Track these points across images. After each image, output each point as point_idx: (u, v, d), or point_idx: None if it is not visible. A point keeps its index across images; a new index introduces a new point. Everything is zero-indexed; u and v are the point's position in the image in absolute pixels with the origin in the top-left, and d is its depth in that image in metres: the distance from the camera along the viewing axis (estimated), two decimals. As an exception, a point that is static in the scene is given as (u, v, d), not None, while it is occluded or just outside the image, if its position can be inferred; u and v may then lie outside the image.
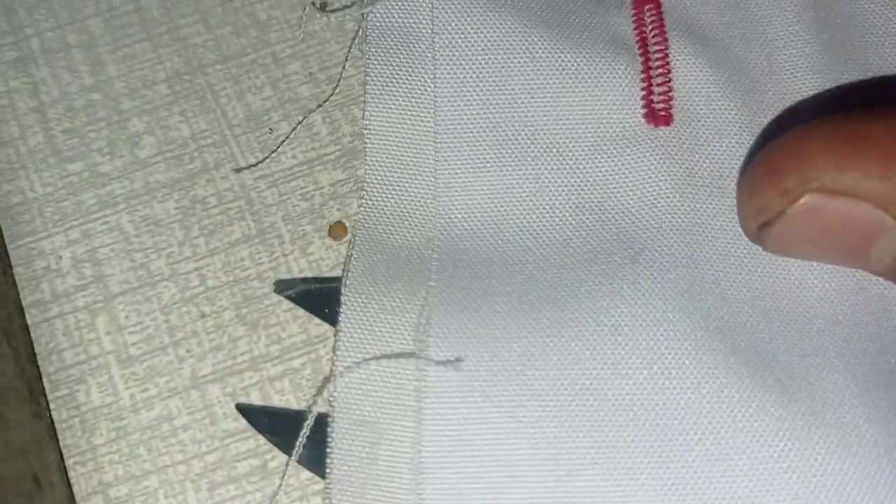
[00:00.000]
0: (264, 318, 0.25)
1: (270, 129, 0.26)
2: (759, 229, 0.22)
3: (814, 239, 0.22)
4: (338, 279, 0.25)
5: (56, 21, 0.28)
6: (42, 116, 0.27)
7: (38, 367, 0.24)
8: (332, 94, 0.27)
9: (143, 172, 0.26)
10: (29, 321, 0.25)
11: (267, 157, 0.26)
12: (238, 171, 0.26)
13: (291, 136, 0.27)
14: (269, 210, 0.26)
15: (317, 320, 0.25)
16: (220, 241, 0.26)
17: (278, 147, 0.26)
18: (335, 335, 0.24)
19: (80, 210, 0.26)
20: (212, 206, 0.26)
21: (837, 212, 0.21)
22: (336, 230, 0.26)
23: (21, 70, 0.27)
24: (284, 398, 0.24)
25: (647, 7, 0.27)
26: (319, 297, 0.25)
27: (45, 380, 0.24)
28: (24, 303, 0.25)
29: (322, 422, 0.23)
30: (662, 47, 0.26)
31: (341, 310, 0.24)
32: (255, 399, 0.24)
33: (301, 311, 0.25)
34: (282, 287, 0.25)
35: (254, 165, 0.26)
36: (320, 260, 0.25)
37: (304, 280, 0.25)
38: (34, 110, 0.27)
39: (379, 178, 0.25)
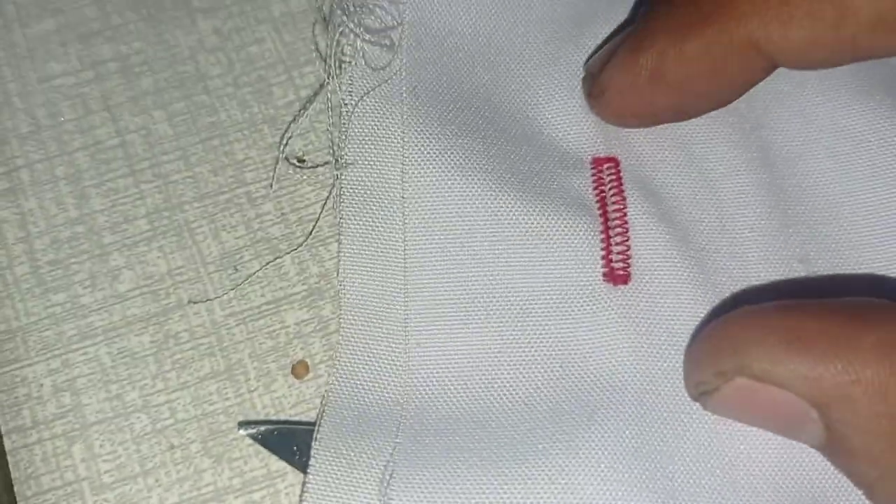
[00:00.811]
0: (228, 452, 0.27)
1: (236, 267, 0.28)
2: (699, 397, 0.25)
3: (746, 415, 0.24)
4: (297, 422, 0.27)
5: (45, 153, 0.30)
6: (29, 247, 0.29)
7: (14, 493, 0.26)
8: (305, 240, 0.29)
9: (121, 306, 0.28)
10: (8, 447, 0.27)
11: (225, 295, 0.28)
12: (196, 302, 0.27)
13: (261, 274, 0.28)
14: (237, 347, 0.28)
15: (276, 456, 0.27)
16: (190, 376, 0.27)
17: (243, 282, 0.28)
18: (303, 485, 0.25)
19: (61, 340, 0.28)
20: (184, 341, 0.28)
21: (767, 397, 0.23)
22: (298, 369, 0.28)
23: (10, 200, 0.29)
24: (244, 529, 0.26)
25: (606, 166, 0.28)
26: (280, 438, 0.26)
27: (22, 505, 0.26)
28: (4, 428, 0.27)
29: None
30: (620, 206, 0.28)
31: (310, 463, 0.25)
32: (216, 529, 0.26)
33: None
34: (245, 426, 0.27)
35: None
36: (283, 398, 0.27)
37: (267, 421, 0.27)
38: (21, 241, 0.29)
39: (352, 337, 0.27)
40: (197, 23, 0.31)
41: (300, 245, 0.28)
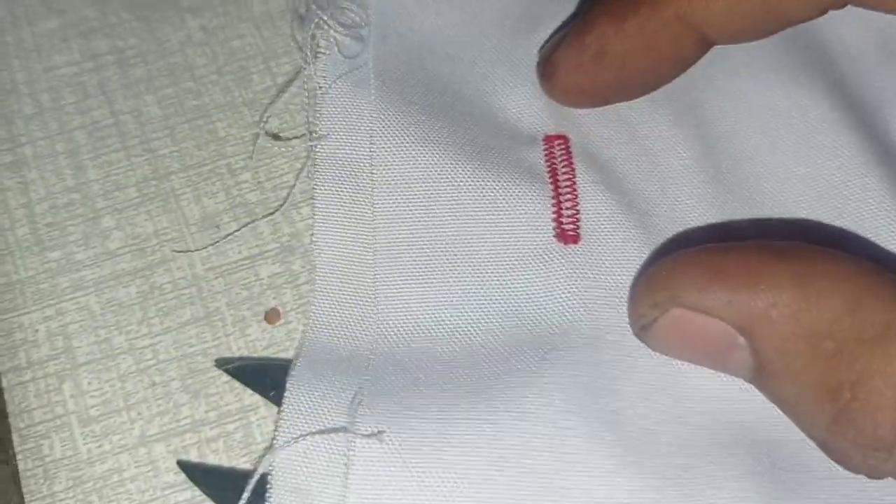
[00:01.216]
0: (205, 388, 0.29)
1: (217, 226, 0.31)
2: (640, 332, 0.27)
3: (682, 345, 0.27)
4: (269, 359, 0.29)
5: (47, 132, 0.33)
6: (29, 211, 0.32)
7: (8, 422, 0.29)
8: (281, 205, 0.32)
9: (111, 261, 0.31)
10: (5, 384, 0.29)
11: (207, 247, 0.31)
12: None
13: (238, 234, 0.32)
14: (215, 297, 0.31)
15: (249, 392, 0.29)
16: (172, 322, 0.30)
17: (221, 241, 0.31)
18: (278, 414, 0.28)
19: (55, 291, 0.31)
20: (167, 291, 0.31)
21: (698, 325, 0.25)
22: (271, 316, 0.30)
23: (14, 171, 0.32)
24: (218, 457, 0.29)
25: (556, 142, 0.32)
26: (253, 373, 0.29)
27: (14, 434, 0.29)
28: (2, 368, 0.30)
29: (260, 482, 0.27)
30: (570, 176, 0.31)
31: (285, 395, 0.28)
32: (193, 457, 0.29)
33: (237, 384, 0.29)
34: (221, 363, 0.30)
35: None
36: (256, 341, 0.30)
37: (241, 358, 0.30)
38: (23, 206, 0.32)
39: (325, 288, 0.30)
40: (186, 21, 0.35)
41: (277, 209, 0.32)
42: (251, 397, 0.29)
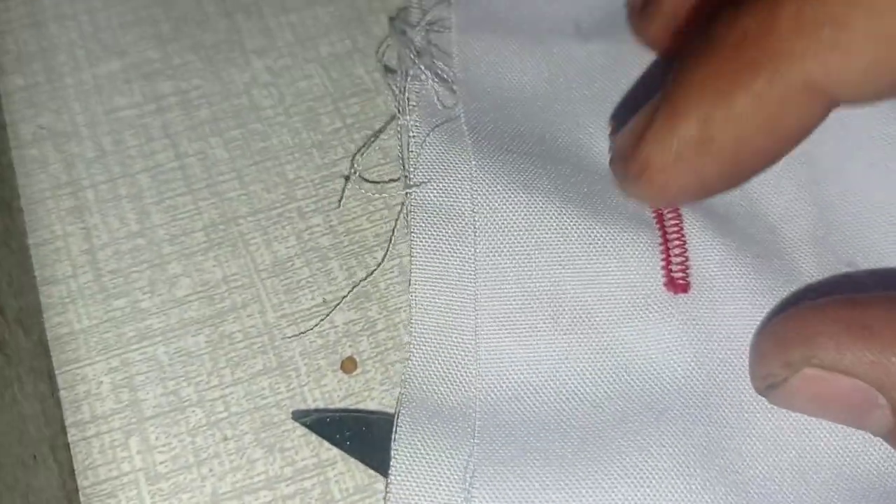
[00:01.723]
0: (280, 442, 0.28)
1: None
2: (766, 390, 0.26)
3: (814, 405, 0.25)
4: (348, 410, 0.28)
5: (109, 175, 0.32)
6: (92, 258, 0.31)
7: (76, 481, 0.27)
8: (387, 261, 0.31)
9: (178, 309, 0.30)
10: (70, 439, 0.28)
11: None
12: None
13: (311, 279, 0.30)
14: (288, 346, 0.29)
15: (326, 445, 0.28)
16: (243, 372, 0.29)
17: (294, 287, 0.30)
18: (386, 487, 0.26)
19: (120, 341, 0.29)
20: (238, 340, 0.29)
21: (834, 386, 0.24)
22: (347, 365, 0.29)
23: (77, 217, 0.31)
24: (295, 516, 0.27)
25: None
26: (330, 425, 0.28)
27: (80, 493, 0.27)
28: (66, 423, 0.28)
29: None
30: (677, 222, 0.29)
31: (392, 462, 0.26)
32: (268, 517, 0.27)
33: (313, 437, 0.28)
34: (298, 416, 0.28)
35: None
36: (332, 391, 0.29)
37: (318, 410, 0.28)
38: (85, 252, 0.31)
39: (423, 340, 0.28)
40: (251, 62, 0.34)
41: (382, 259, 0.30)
42: (328, 451, 0.28)
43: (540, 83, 0.33)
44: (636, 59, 0.33)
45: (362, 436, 0.27)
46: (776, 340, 0.25)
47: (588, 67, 0.33)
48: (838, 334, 0.23)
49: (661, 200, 0.28)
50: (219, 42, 0.35)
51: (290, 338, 0.29)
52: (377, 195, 0.31)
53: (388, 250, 0.30)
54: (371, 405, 0.28)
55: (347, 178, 0.32)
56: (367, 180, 0.32)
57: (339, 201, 0.31)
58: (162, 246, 0.31)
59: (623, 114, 0.31)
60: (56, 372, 0.29)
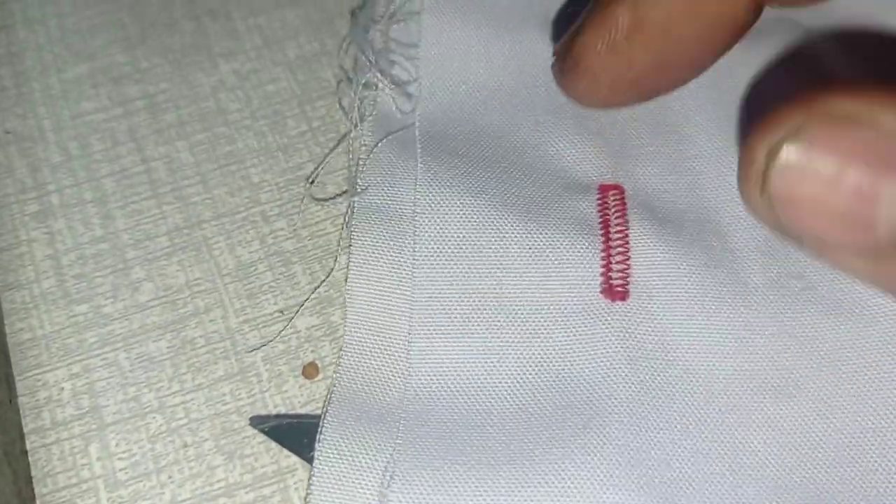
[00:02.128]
0: (240, 449, 0.28)
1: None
2: (757, 189, 0.21)
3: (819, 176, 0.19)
4: (307, 416, 0.28)
5: (75, 179, 0.32)
6: (56, 263, 0.30)
7: (33, 488, 0.27)
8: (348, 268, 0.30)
9: (141, 314, 0.30)
10: (28, 446, 0.28)
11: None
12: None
13: (273, 284, 0.30)
14: (250, 351, 0.29)
15: (286, 452, 0.27)
16: (204, 378, 0.29)
17: (257, 291, 0.30)
18: (307, 488, 0.26)
19: (82, 347, 0.29)
20: (200, 346, 0.29)
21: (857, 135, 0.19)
22: (309, 370, 0.29)
23: (41, 222, 0.31)
24: (254, 523, 0.27)
25: (611, 192, 0.30)
26: (290, 432, 0.27)
27: (38, 501, 0.27)
28: (25, 429, 0.28)
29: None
30: (623, 228, 0.29)
31: (314, 463, 0.26)
32: (227, 524, 0.27)
33: (273, 444, 0.28)
34: (257, 422, 0.28)
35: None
36: (293, 397, 0.28)
37: (278, 416, 0.28)
38: (49, 257, 0.31)
39: (357, 342, 0.28)
40: (218, 66, 0.34)
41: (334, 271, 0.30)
42: (288, 458, 0.27)
43: (504, 77, 0.32)
44: None
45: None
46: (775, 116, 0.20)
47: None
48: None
49: (594, 97, 0.27)
50: (186, 46, 0.34)
51: (251, 351, 0.29)
52: (341, 199, 0.31)
53: (350, 255, 0.30)
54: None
55: (312, 182, 0.32)
56: (318, 200, 0.32)
57: (301, 203, 0.31)
58: (126, 251, 0.31)
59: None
60: (17, 378, 0.29)
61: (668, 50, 0.25)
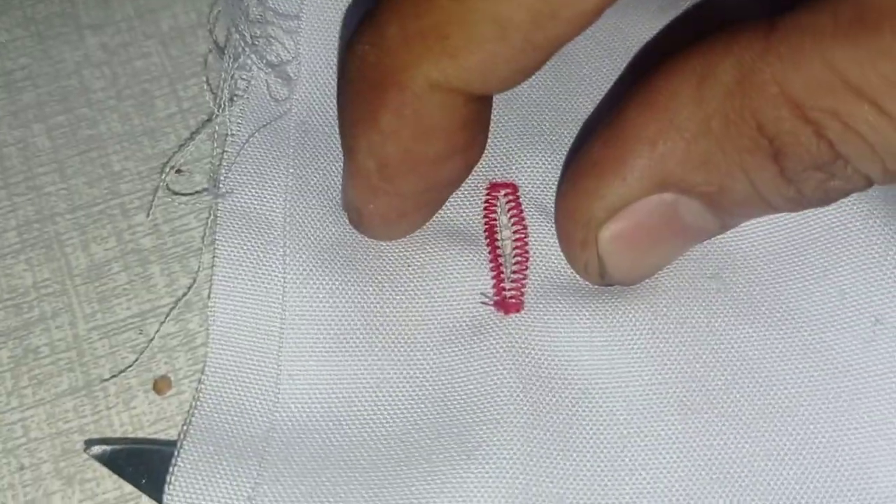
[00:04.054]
0: (80, 473, 0.25)
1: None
2: (598, 274, 0.24)
3: (640, 243, 0.24)
4: (149, 441, 0.25)
5: (-81, 167, 0.29)
6: None
7: None
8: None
9: (-19, 320, 0.27)
10: None
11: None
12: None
13: (127, 287, 0.27)
14: (97, 362, 0.26)
15: (131, 477, 0.25)
16: (46, 392, 0.26)
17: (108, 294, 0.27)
18: None
19: (-86, 356, 0.26)
20: (44, 355, 0.26)
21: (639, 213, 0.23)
22: (160, 385, 0.26)
23: None
24: (92, 556, 0.24)
25: (503, 192, 0.27)
26: (128, 459, 0.25)
27: None
28: None
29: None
30: (521, 232, 0.26)
31: (166, 493, 0.23)
32: (62, 556, 0.24)
33: (118, 467, 0.25)
34: (93, 445, 0.25)
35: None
36: (142, 414, 0.26)
37: (118, 440, 0.25)
38: None
39: (220, 364, 0.25)
40: (85, 38, 0.31)
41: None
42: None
43: None
44: None
45: (159, 472, 0.24)
46: (565, 231, 0.24)
47: None
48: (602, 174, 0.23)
49: (392, 230, 0.26)
50: (51, 15, 0.31)
51: (106, 380, 0.26)
52: (206, 195, 0.28)
53: (214, 255, 0.27)
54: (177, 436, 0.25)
55: (178, 171, 0.28)
56: (175, 193, 0.28)
57: (162, 195, 0.28)
58: (-31, 248, 0.28)
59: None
60: None
61: (423, 174, 0.24)
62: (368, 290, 0.25)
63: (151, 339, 0.26)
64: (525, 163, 0.27)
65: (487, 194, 0.27)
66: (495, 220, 0.26)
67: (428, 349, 0.25)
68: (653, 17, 0.29)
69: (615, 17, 0.29)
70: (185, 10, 0.31)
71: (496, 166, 0.27)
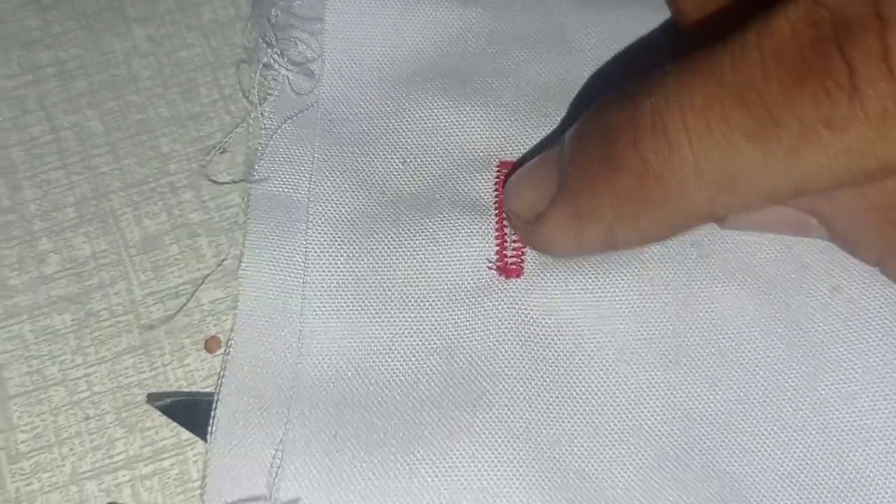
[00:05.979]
0: (141, 422, 0.28)
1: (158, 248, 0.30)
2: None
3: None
4: (202, 394, 0.28)
5: (-17, 148, 0.32)
6: (-38, 234, 0.30)
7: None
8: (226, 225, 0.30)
9: (46, 287, 0.30)
10: (-68, 418, 0.28)
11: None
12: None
13: (178, 257, 0.30)
14: (153, 324, 0.29)
15: (186, 426, 0.28)
16: (108, 351, 0.29)
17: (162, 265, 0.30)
18: (204, 470, 0.26)
19: (-13, 319, 0.29)
20: (104, 318, 0.29)
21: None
22: (210, 344, 0.29)
23: (-52, 191, 0.31)
24: (153, 496, 0.27)
25: (509, 170, 0.30)
26: (186, 408, 0.28)
27: (-60, 473, 0.27)
28: (-71, 402, 0.28)
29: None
30: None
31: (209, 443, 0.26)
32: (126, 496, 0.27)
33: (174, 417, 0.28)
34: (153, 399, 0.28)
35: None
36: (194, 371, 0.29)
37: (175, 393, 0.28)
38: (-44, 228, 0.30)
39: (249, 323, 0.28)
40: (132, 30, 0.34)
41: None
42: (188, 432, 0.28)
43: (412, 48, 0.32)
44: (518, 35, 0.32)
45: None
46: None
47: (462, 36, 0.32)
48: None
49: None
50: (100, 10, 0.34)
51: (148, 329, 0.29)
52: (246, 183, 0.31)
53: (244, 243, 0.30)
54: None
55: (223, 152, 0.31)
56: (214, 182, 0.31)
57: (209, 174, 0.31)
58: (33, 222, 0.31)
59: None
60: (-78, 350, 0.29)
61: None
62: (383, 254, 0.28)
63: (195, 291, 0.29)
64: (530, 143, 0.30)
65: (497, 171, 0.30)
66: (503, 194, 0.29)
67: (437, 308, 0.28)
68: (652, 12, 0.32)
69: (618, 11, 0.32)
70: (223, 4, 0.34)
71: (506, 147, 0.30)
